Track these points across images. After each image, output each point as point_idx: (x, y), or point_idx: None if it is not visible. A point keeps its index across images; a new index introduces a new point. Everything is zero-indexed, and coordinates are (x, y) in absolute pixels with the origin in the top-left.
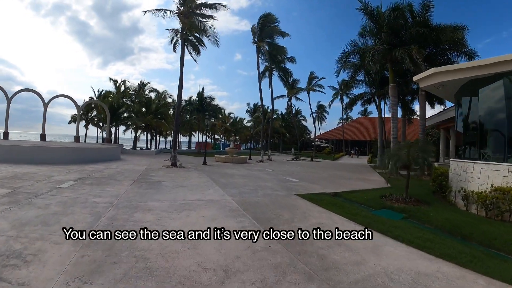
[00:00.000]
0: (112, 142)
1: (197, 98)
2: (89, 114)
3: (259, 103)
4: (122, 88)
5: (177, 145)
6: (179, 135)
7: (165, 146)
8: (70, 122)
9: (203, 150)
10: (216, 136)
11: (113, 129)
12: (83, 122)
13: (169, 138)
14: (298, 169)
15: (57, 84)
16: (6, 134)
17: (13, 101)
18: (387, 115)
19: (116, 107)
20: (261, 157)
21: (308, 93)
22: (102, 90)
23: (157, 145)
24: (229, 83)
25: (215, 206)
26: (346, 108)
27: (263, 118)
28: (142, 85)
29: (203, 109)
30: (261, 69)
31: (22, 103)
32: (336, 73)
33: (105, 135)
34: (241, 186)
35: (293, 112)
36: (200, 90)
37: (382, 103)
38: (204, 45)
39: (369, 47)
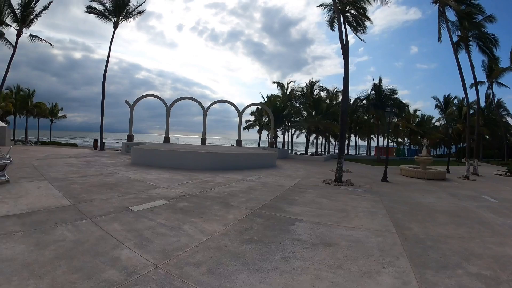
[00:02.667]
0: (278, 146)
1: (373, 92)
2: (262, 119)
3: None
4: (289, 91)
5: (355, 150)
6: (357, 138)
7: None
8: (247, 128)
9: (384, 157)
10: (399, 140)
11: (281, 133)
12: (256, 128)
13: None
14: None
15: (243, 98)
16: (167, 139)
17: (208, 113)
18: None
19: (281, 109)
20: (466, 171)
21: None
22: (271, 96)
23: (331, 150)
24: (408, 79)
25: None
26: None
27: (468, 114)
28: (310, 85)
29: (381, 104)
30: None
31: (215, 114)
32: None
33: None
34: (467, 264)
35: (495, 103)
36: (377, 81)
37: None
38: (369, 20)
39: None
